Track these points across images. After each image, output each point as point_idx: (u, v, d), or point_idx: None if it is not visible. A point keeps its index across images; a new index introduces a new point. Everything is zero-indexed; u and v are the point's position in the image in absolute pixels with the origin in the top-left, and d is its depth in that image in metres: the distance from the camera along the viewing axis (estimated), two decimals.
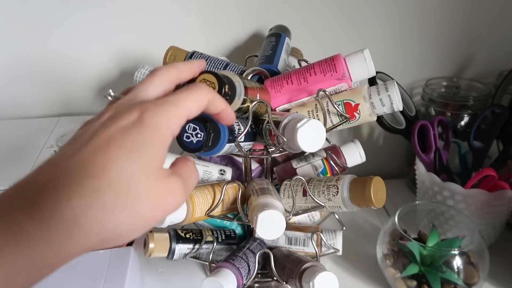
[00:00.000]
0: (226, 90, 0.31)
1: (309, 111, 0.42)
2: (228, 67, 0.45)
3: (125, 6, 0.57)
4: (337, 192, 0.41)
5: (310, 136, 0.34)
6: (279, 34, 0.52)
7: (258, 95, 0.38)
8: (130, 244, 0.57)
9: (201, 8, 0.58)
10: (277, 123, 0.38)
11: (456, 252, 0.44)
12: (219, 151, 0.34)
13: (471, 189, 0.48)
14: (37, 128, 0.58)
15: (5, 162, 0.51)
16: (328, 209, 0.42)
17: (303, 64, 0.52)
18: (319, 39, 0.61)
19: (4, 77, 0.60)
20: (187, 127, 0.32)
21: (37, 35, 0.58)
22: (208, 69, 0.44)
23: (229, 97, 0.32)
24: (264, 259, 0.49)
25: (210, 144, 0.32)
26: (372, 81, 0.52)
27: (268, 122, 0.39)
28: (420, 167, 0.53)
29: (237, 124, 0.37)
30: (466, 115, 0.59)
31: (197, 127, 0.32)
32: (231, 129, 0.35)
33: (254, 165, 0.53)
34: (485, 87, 0.60)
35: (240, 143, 0.37)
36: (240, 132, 0.37)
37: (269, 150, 0.43)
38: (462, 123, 0.60)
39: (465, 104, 0.59)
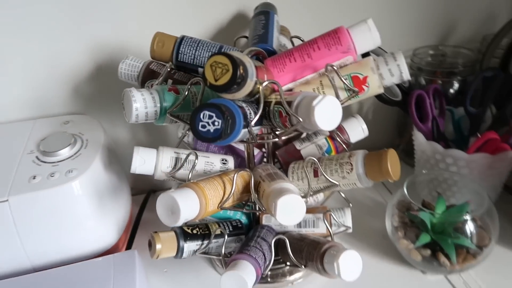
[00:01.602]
0: (241, 71, 0.29)
1: (314, 88, 0.41)
2: (223, 50, 0.43)
3: None
4: (352, 168, 0.40)
5: (327, 113, 0.33)
6: (267, 11, 0.50)
7: (265, 76, 0.36)
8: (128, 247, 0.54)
9: None
10: (287, 104, 0.36)
11: (467, 217, 0.44)
12: (235, 138, 0.32)
13: (474, 153, 0.48)
14: (12, 133, 0.53)
15: None
16: (343, 187, 0.41)
17: (296, 41, 0.50)
18: (303, 15, 0.59)
19: None
20: (202, 116, 0.29)
21: (3, 31, 0.52)
22: (203, 54, 0.41)
23: (243, 79, 0.30)
24: (276, 245, 0.48)
25: (228, 131, 0.30)
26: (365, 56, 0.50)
27: (276, 104, 0.37)
28: (419, 137, 0.53)
29: (247, 108, 0.35)
30: (455, 82, 0.60)
31: (214, 114, 0.29)
32: (244, 114, 0.33)
33: (255, 151, 0.50)
34: (472, 53, 0.61)
35: (252, 128, 0.35)
36: (251, 117, 0.35)
37: (276, 132, 0.41)
38: (452, 90, 0.61)
39: (453, 71, 0.60)
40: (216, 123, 0.29)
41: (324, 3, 0.59)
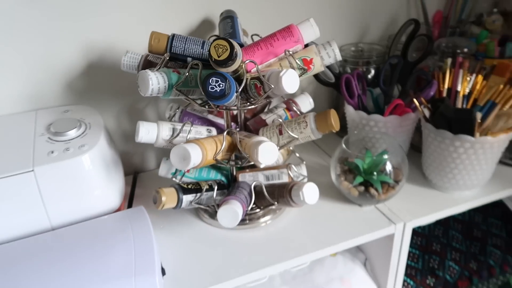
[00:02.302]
0: (236, 50, 0.43)
1: None
2: (205, 44, 0.56)
3: (86, 2, 0.63)
4: (307, 125, 0.56)
5: (290, 80, 0.48)
6: (232, 16, 0.65)
7: (244, 58, 0.50)
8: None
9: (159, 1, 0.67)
10: (259, 79, 0.50)
11: (386, 156, 0.62)
12: (231, 97, 0.45)
13: (388, 116, 0.67)
14: (18, 122, 0.61)
15: (4, 154, 0.54)
16: (301, 140, 0.57)
17: (255, 38, 0.65)
18: (256, 19, 0.74)
19: None
20: (210, 80, 0.43)
21: (2, 33, 0.60)
22: (191, 46, 0.55)
23: (236, 56, 0.44)
24: (251, 195, 0.61)
25: (229, 91, 0.43)
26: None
27: (252, 79, 0.51)
28: (349, 109, 0.71)
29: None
30: (372, 69, 0.79)
31: (219, 79, 0.43)
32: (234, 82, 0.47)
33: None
34: (381, 47, 0.81)
35: (238, 93, 0.49)
36: (237, 87, 0.49)
37: (252, 102, 0.55)
38: (369, 76, 0.80)
39: (369, 61, 0.79)
40: (221, 85, 0.43)
41: (265, 9, 0.75)
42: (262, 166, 0.59)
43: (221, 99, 0.44)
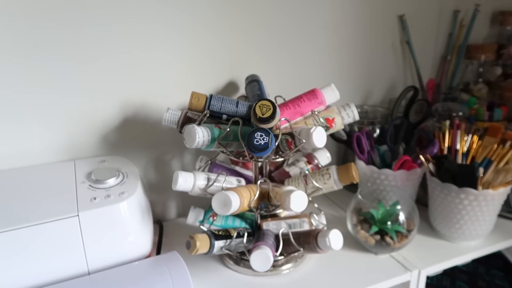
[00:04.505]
0: (277, 110, 0.50)
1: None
2: (239, 104, 0.63)
3: (124, 64, 0.70)
4: (330, 177, 0.62)
5: (320, 136, 0.55)
6: (257, 80, 0.73)
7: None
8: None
9: (191, 63, 0.75)
10: (290, 134, 0.57)
11: (398, 207, 0.68)
12: (270, 150, 0.51)
13: (397, 170, 0.73)
14: (58, 171, 0.65)
15: (49, 199, 0.58)
16: (324, 190, 0.62)
17: (278, 99, 0.73)
18: (276, 81, 0.83)
19: (13, 125, 0.66)
20: (255, 135, 0.49)
21: (44, 89, 0.67)
22: (226, 105, 0.62)
23: (276, 115, 0.51)
24: (278, 241, 0.65)
25: (271, 144, 0.50)
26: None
27: (283, 134, 0.58)
28: (360, 163, 0.78)
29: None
30: (377, 128, 0.87)
31: (263, 134, 0.49)
32: None
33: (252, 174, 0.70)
34: (384, 110, 0.90)
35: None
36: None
37: (281, 155, 0.61)
38: (375, 135, 0.88)
39: (373, 121, 0.88)
40: (265, 139, 0.49)
41: (288, 74, 0.84)
42: (294, 212, 0.64)
43: (264, 151, 0.50)
